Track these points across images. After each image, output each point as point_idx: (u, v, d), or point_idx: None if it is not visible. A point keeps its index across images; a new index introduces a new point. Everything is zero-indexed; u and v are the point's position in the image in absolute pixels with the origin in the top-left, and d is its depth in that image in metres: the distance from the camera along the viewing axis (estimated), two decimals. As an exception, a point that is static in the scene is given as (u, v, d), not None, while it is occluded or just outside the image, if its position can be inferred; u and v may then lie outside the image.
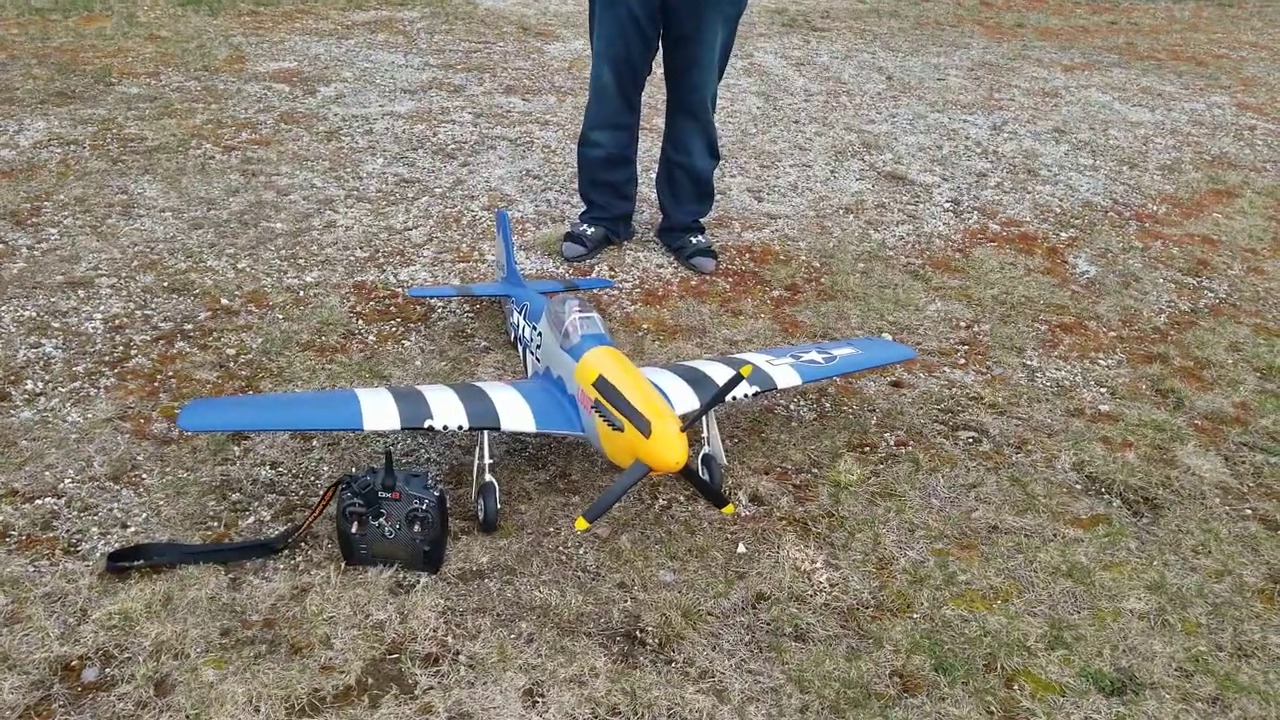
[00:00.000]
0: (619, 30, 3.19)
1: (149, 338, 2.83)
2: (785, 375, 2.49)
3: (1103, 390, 3.04)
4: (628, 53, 3.24)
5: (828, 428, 2.73)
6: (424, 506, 2.05)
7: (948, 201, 4.39)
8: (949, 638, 2.05)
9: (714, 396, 2.03)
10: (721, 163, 4.53)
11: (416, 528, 2.06)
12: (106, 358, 2.73)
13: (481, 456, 2.24)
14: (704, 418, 2.42)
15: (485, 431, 2.23)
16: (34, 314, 2.88)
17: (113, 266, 3.17)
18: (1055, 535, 2.37)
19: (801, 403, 2.85)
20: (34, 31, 5.35)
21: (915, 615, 2.10)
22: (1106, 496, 2.54)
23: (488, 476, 2.23)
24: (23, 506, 2.18)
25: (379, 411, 2.17)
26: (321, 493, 2.17)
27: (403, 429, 2.16)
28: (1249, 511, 2.50)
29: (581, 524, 1.95)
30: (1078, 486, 2.57)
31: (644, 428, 1.95)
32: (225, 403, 2.35)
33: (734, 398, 2.40)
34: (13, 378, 2.60)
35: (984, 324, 3.38)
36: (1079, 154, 5.13)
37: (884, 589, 2.17)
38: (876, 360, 2.73)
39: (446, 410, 2.20)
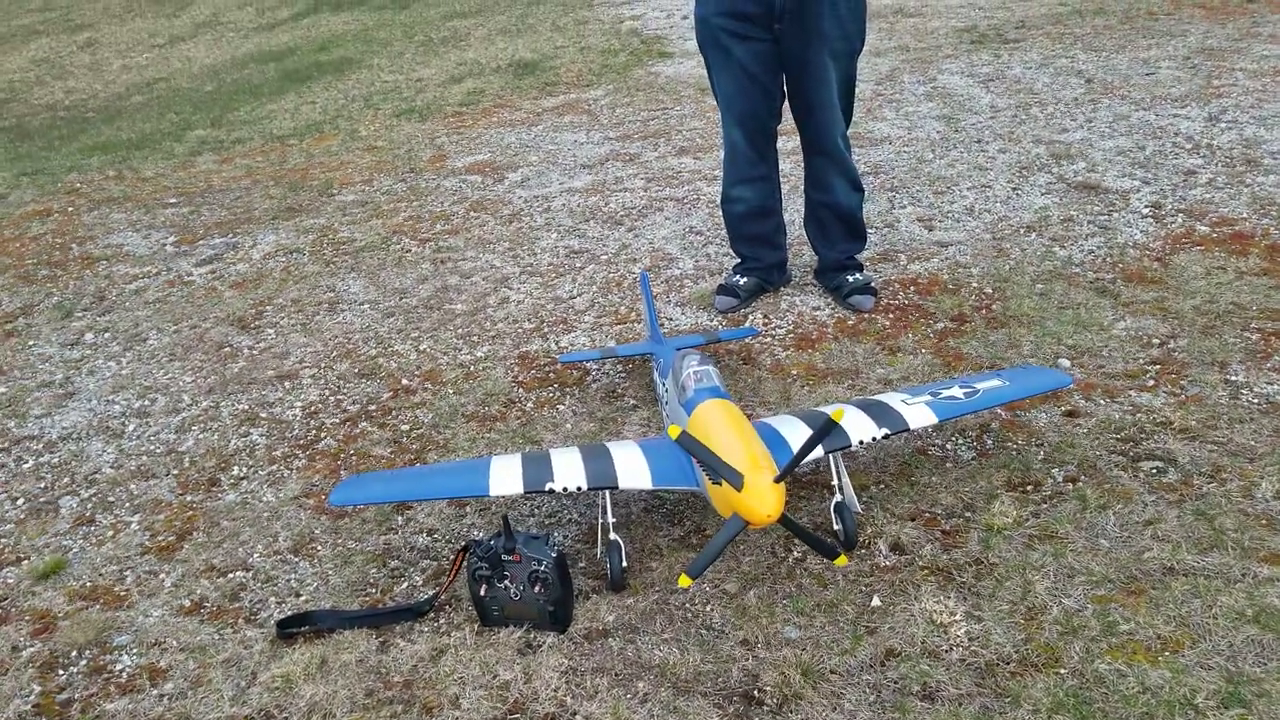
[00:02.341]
0: (736, 86, 3.23)
1: (338, 420, 3.15)
2: (919, 415, 2.37)
3: (1326, 404, 2.64)
4: (750, 107, 3.26)
5: (986, 467, 2.56)
6: (543, 567, 2.13)
7: (1147, 206, 4.00)
8: (1100, 695, 1.85)
9: (803, 447, 1.98)
10: (891, 194, 4.42)
11: (538, 588, 2.14)
12: (301, 441, 3.05)
13: (605, 515, 2.30)
14: (834, 465, 2.36)
15: (607, 491, 2.29)
16: (246, 406, 3.28)
17: (315, 359, 3.56)
18: (1244, 575, 2.08)
19: (959, 440, 2.69)
20: (274, 157, 6.14)
21: (1063, 670, 1.92)
22: (1318, 527, 2.20)
23: (613, 535, 2.29)
24: (217, 580, 2.48)
25: (505, 477, 2.29)
26: (453, 558, 2.31)
27: (526, 492, 2.27)
28: None
29: (685, 581, 1.96)
30: (1281, 517, 2.25)
31: (736, 481, 1.93)
32: (373, 478, 2.57)
33: (861, 442, 2.32)
34: (223, 464, 2.97)
35: (1181, 339, 3.04)
36: (1316, 134, 4.51)
37: (1029, 642, 1.99)
38: (1026, 391, 2.53)
39: (568, 472, 2.28)
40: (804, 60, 3.16)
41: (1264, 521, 2.24)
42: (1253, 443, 2.52)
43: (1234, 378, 2.81)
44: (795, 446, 2.30)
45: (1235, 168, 4.28)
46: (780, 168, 3.53)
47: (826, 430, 1.94)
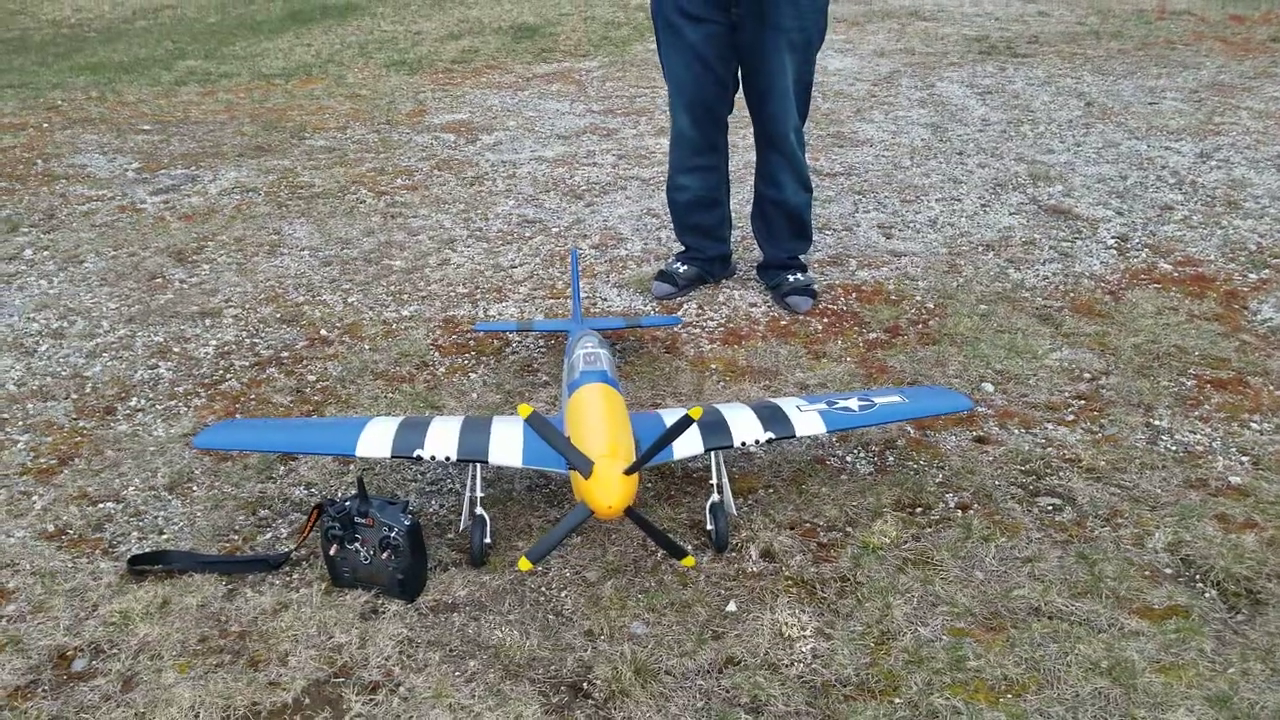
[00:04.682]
0: (687, 70, 3.13)
1: (248, 363, 3.10)
2: (808, 423, 2.31)
3: (1243, 459, 2.56)
4: (700, 93, 3.17)
5: (880, 483, 2.49)
6: (394, 534, 2.07)
7: (1114, 238, 3.91)
8: (928, 730, 1.79)
9: (655, 442, 1.91)
10: (858, 197, 4.33)
11: (388, 555, 2.08)
12: (206, 380, 3.00)
13: (473, 489, 2.25)
14: (715, 464, 2.30)
15: (477, 464, 2.24)
16: (162, 339, 3.23)
17: (242, 299, 3.50)
18: (1110, 625, 2.01)
19: (860, 454, 2.62)
20: (257, 95, 6.07)
21: (898, 700, 1.85)
22: (1199, 585, 2.13)
23: (479, 510, 2.23)
24: (86, 509, 2.43)
25: (375, 439, 2.23)
26: (307, 515, 2.26)
27: (392, 457, 2.22)
28: (1384, 618, 2.00)
29: (524, 564, 1.90)
30: (1166, 570, 2.17)
31: (584, 468, 1.87)
32: (246, 424, 2.51)
33: (744, 443, 2.25)
34: (124, 394, 2.92)
35: (1113, 376, 2.96)
36: (1303, 183, 4.40)
37: (873, 666, 1.93)
38: (923, 410, 2.46)
39: (440, 441, 2.22)
40: (759, 50, 3.07)
41: (1147, 573, 2.17)
42: (1158, 490, 2.44)
43: (1157, 422, 2.73)
44: (682, 440, 2.24)
45: (1214, 208, 4.17)
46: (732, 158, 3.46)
47: (682, 428, 1.88)
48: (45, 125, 5.54)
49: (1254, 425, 2.71)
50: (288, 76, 6.49)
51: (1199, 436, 2.67)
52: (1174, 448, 2.63)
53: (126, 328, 3.31)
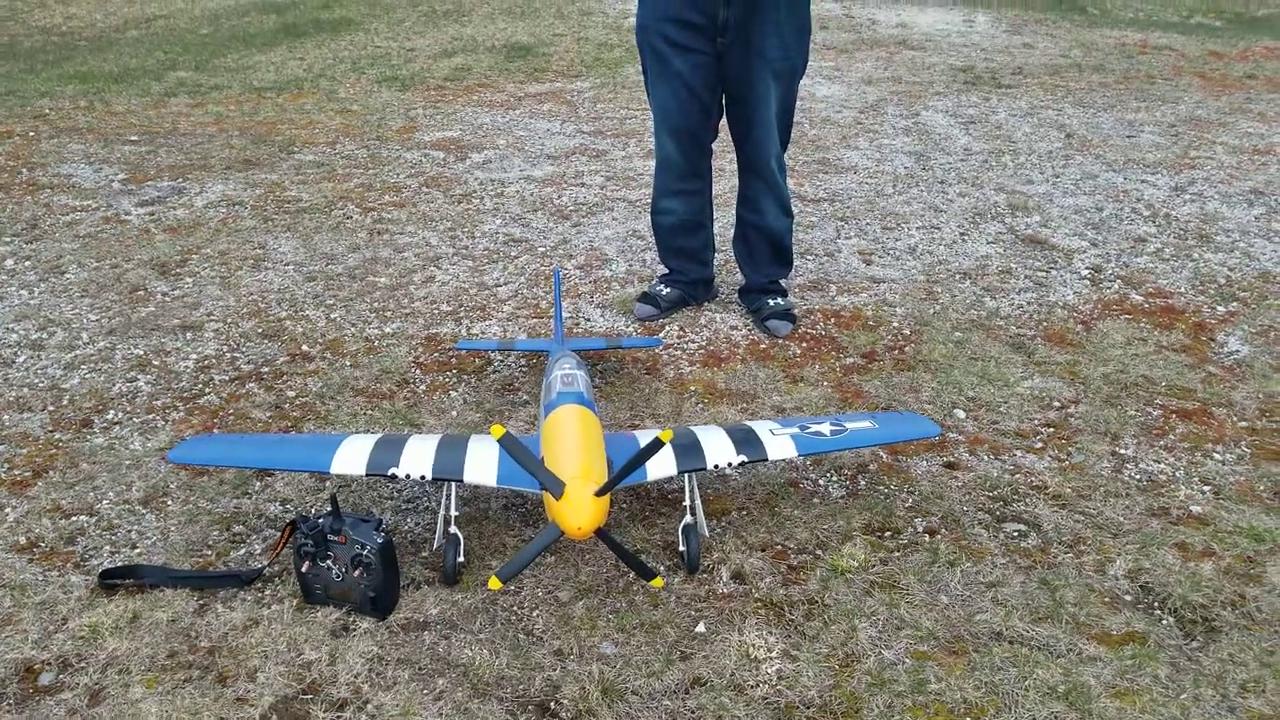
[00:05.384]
0: (674, 98, 3.18)
1: (227, 377, 3.11)
2: (780, 446, 2.34)
3: (1205, 489, 2.61)
4: (686, 121, 3.22)
5: (850, 507, 2.53)
6: (366, 552, 2.09)
7: (1087, 268, 3.97)
8: (888, 753, 1.82)
9: (626, 465, 1.94)
10: (840, 224, 4.39)
11: (359, 572, 2.10)
12: (185, 394, 3.02)
13: (446, 508, 2.27)
14: (688, 486, 2.33)
15: (451, 483, 2.26)
16: (142, 352, 3.25)
17: (224, 313, 3.52)
18: (1069, 650, 2.05)
19: (833, 477, 2.66)
20: (247, 108, 6.10)
21: (859, 723, 1.88)
22: (1157, 612, 2.17)
23: (453, 528, 2.25)
24: (59, 522, 2.44)
25: (350, 457, 2.25)
26: (281, 531, 2.28)
27: (367, 474, 2.24)
28: (1336, 648, 2.04)
29: (494, 583, 1.93)
30: (1126, 597, 2.21)
31: (555, 489, 1.90)
32: (222, 439, 2.53)
33: (716, 466, 2.28)
34: (100, 407, 2.93)
35: (1082, 405, 3.01)
36: (1274, 218, 4.48)
37: (836, 688, 1.96)
38: (893, 436, 2.50)
39: (415, 460, 2.25)
40: (744, 79, 3.12)
41: (1106, 599, 2.21)
42: (1121, 518, 2.49)
43: (1123, 451, 2.78)
44: (655, 464, 2.27)
45: (1186, 241, 4.25)
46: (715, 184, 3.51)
47: (653, 449, 1.91)
48: (31, 134, 5.56)
49: (1216, 455, 2.76)
50: (279, 90, 6.53)
51: (1163, 466, 2.72)
52: (1138, 476, 2.67)
53: (106, 340, 3.32)
